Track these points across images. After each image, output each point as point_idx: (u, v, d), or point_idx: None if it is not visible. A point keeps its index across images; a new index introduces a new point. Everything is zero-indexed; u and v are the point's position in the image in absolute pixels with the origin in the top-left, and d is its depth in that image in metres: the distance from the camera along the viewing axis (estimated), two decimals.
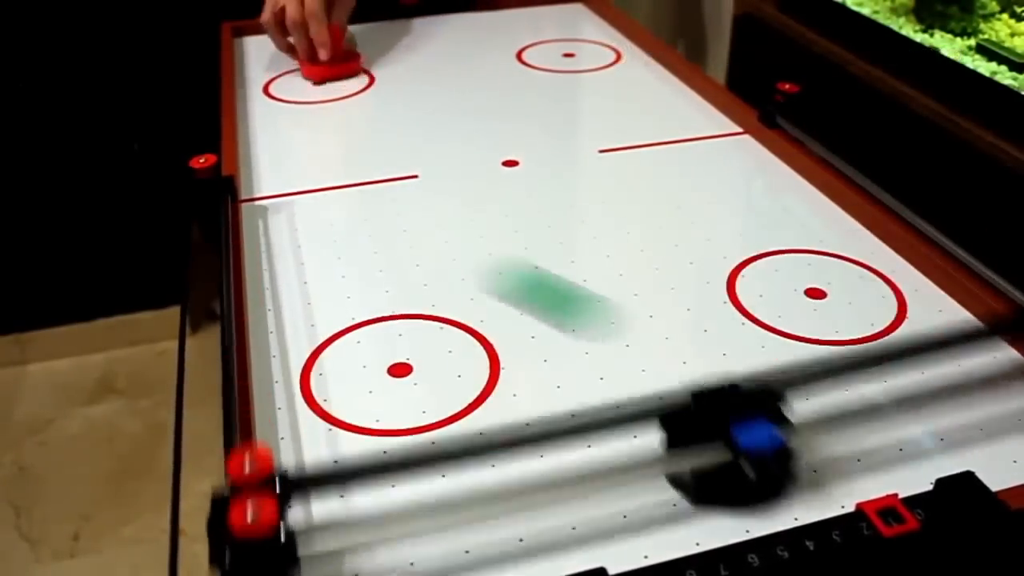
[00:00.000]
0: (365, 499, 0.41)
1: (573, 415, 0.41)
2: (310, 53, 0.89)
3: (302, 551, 0.37)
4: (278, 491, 0.36)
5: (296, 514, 0.41)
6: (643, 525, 0.41)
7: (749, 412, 0.40)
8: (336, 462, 0.45)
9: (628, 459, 0.40)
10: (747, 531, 0.40)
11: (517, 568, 0.39)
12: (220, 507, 0.36)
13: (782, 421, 0.40)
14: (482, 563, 0.40)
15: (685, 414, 0.41)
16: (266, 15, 0.90)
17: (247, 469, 0.37)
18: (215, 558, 0.35)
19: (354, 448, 0.46)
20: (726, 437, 0.39)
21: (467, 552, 0.40)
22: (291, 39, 0.90)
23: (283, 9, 0.88)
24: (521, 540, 0.41)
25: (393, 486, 0.43)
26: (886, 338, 0.54)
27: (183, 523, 0.43)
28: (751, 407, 0.40)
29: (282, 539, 0.36)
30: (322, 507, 0.42)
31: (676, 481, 0.42)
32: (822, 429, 0.43)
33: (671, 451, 0.41)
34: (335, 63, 0.90)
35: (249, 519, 0.35)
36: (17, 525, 1.36)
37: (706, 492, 0.42)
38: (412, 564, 0.40)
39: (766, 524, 0.40)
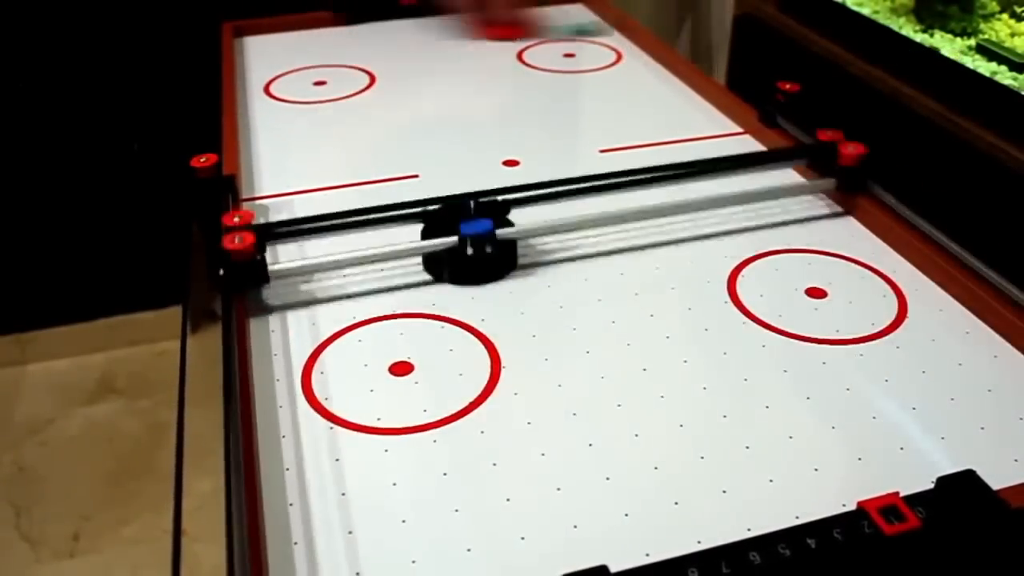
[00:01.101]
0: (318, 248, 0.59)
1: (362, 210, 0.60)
2: (492, 17, 1.00)
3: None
4: (256, 230, 0.57)
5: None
6: (644, 523, 0.41)
7: (478, 215, 0.59)
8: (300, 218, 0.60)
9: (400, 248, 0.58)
10: (748, 529, 0.41)
11: (518, 566, 0.39)
12: (219, 240, 0.55)
13: (504, 223, 0.60)
14: (483, 561, 0.40)
15: (436, 215, 0.60)
16: None
17: (236, 220, 0.57)
18: (212, 275, 0.55)
19: (355, 447, 0.46)
20: (458, 231, 0.58)
21: (468, 550, 0.40)
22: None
23: None
24: (522, 538, 0.41)
25: (394, 484, 0.43)
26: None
27: (184, 523, 0.43)
28: (482, 213, 0.60)
29: (258, 259, 0.56)
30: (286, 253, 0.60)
31: (427, 265, 0.60)
32: (536, 231, 0.61)
33: (425, 240, 0.60)
34: (513, 25, 1.01)
35: (236, 243, 0.55)
36: (17, 525, 1.36)
37: (440, 270, 0.59)
38: (413, 562, 0.40)
39: (768, 522, 0.41)
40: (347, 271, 0.60)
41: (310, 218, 0.60)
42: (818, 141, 0.68)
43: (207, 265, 0.57)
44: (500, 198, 0.61)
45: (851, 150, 0.65)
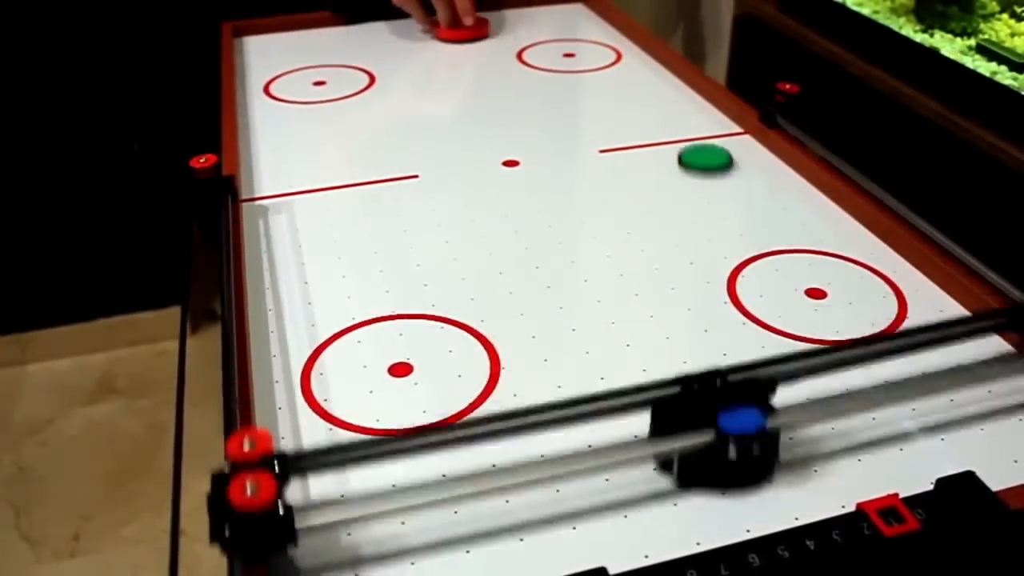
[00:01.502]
0: (361, 479, 0.42)
1: (568, 402, 0.42)
2: (453, 21, 1.00)
3: (299, 524, 0.38)
4: (276, 469, 0.38)
5: (293, 492, 0.41)
6: (643, 524, 0.41)
7: (735, 399, 0.42)
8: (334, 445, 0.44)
9: (619, 443, 0.42)
10: (747, 531, 0.40)
11: (518, 567, 0.39)
12: (220, 483, 0.37)
13: (767, 408, 0.42)
14: (482, 563, 0.40)
15: (674, 402, 0.43)
16: None
17: (246, 448, 0.38)
18: (215, 533, 0.36)
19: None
20: (712, 422, 0.41)
21: (467, 552, 0.40)
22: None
23: None
24: (521, 540, 0.41)
25: (394, 485, 0.43)
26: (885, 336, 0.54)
27: (183, 523, 0.43)
28: (737, 395, 0.42)
29: (280, 513, 0.37)
30: (319, 486, 0.43)
31: (664, 465, 0.44)
32: (808, 416, 0.45)
33: (659, 436, 0.43)
34: (471, 26, 1.01)
35: (248, 494, 0.36)
36: (17, 525, 1.36)
37: (690, 474, 0.43)
38: (412, 563, 0.40)
39: (767, 524, 0.41)
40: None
41: (359, 443, 0.41)
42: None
43: (210, 521, 0.37)
44: (763, 374, 0.44)
45: None
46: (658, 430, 0.43)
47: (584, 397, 0.42)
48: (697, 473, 0.43)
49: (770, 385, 0.43)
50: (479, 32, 1.02)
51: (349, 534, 0.41)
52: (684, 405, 0.42)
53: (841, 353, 0.46)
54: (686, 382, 0.42)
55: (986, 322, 0.51)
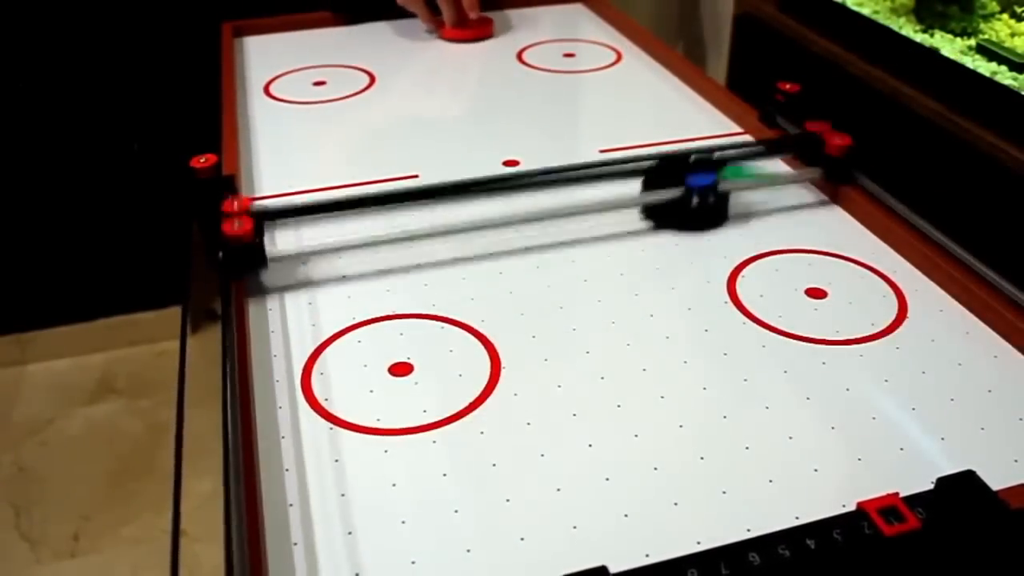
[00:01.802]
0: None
1: (566, 167, 0.64)
2: (458, 20, 1.00)
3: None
4: (255, 215, 0.58)
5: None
6: (644, 523, 0.41)
7: (698, 169, 0.63)
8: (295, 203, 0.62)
9: (616, 198, 0.64)
10: (748, 529, 0.40)
11: (518, 566, 0.39)
12: (218, 224, 0.57)
13: (719, 176, 0.64)
14: (483, 562, 0.40)
15: (656, 169, 0.64)
16: None
17: (235, 207, 0.58)
18: (211, 260, 0.56)
19: (355, 448, 0.46)
20: (682, 182, 0.63)
21: (468, 551, 0.40)
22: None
23: None
24: (522, 539, 0.41)
25: (394, 485, 0.43)
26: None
27: (184, 523, 0.43)
28: (699, 167, 0.63)
29: (255, 243, 0.57)
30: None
31: (647, 212, 0.65)
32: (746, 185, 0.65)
33: (645, 192, 0.65)
34: (475, 26, 1.01)
35: (235, 227, 0.56)
36: (17, 525, 1.36)
37: (665, 218, 0.64)
38: (413, 562, 0.40)
39: (767, 523, 0.41)
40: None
41: (310, 207, 0.61)
42: (805, 132, 0.70)
43: (206, 252, 0.59)
44: (716, 155, 0.65)
45: (838, 140, 0.67)
46: (644, 188, 0.64)
47: (581, 164, 0.65)
48: (670, 217, 0.64)
49: (722, 161, 0.65)
50: (484, 31, 1.02)
51: (304, 264, 0.61)
52: (663, 172, 0.64)
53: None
54: (665, 157, 0.65)
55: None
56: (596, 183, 0.65)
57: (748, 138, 0.78)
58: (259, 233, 0.58)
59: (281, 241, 0.63)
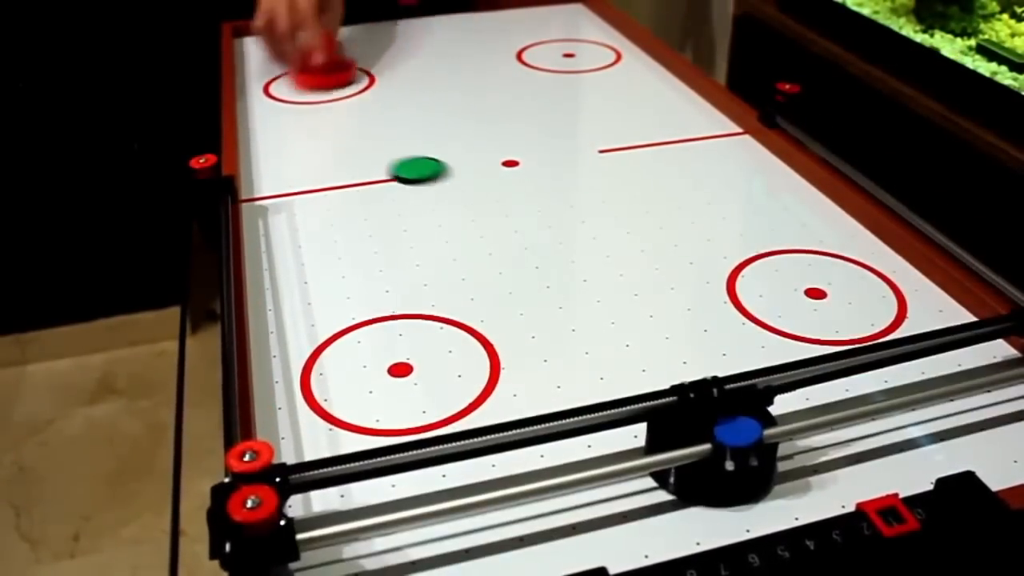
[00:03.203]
0: (363, 490, 0.43)
1: (564, 413, 0.43)
2: (301, 61, 0.88)
3: (300, 538, 0.38)
4: (276, 482, 0.38)
5: (294, 502, 0.42)
6: (643, 525, 0.41)
7: (732, 409, 0.42)
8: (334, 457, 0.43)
9: (617, 454, 0.44)
10: (747, 531, 0.40)
11: (517, 568, 0.39)
12: (220, 496, 0.37)
13: (766, 419, 0.42)
14: (482, 563, 0.40)
15: (670, 412, 0.43)
16: (258, 22, 0.87)
17: (247, 460, 0.38)
18: (215, 549, 0.36)
19: (354, 448, 0.46)
20: (709, 434, 0.41)
21: (467, 552, 0.40)
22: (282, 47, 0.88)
23: (274, 18, 0.86)
24: (522, 540, 0.41)
25: (394, 486, 0.43)
26: (884, 339, 0.54)
27: (183, 523, 0.43)
28: (735, 405, 0.42)
29: (281, 526, 0.37)
30: (321, 498, 0.43)
31: (659, 477, 0.43)
32: (808, 426, 0.44)
33: (655, 448, 0.43)
34: (328, 72, 0.88)
35: (248, 508, 0.36)
36: (17, 525, 1.36)
37: (688, 488, 0.43)
38: (413, 564, 0.40)
39: (767, 524, 0.40)
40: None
41: (360, 454, 0.41)
42: None
43: (210, 537, 0.37)
44: (760, 383, 0.43)
45: None
46: (655, 442, 0.43)
47: (580, 408, 0.43)
48: (694, 486, 0.42)
49: (767, 394, 0.43)
50: (338, 79, 0.89)
51: (349, 545, 0.40)
52: (680, 416, 0.42)
53: (842, 361, 0.46)
54: (682, 391, 0.42)
55: (991, 328, 0.50)
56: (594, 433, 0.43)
57: (752, 142, 0.78)
58: (284, 507, 0.38)
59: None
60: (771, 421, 0.42)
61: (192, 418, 0.52)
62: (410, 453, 0.40)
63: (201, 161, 0.67)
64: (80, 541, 1.33)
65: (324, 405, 0.49)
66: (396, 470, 0.40)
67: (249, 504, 0.36)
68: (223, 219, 0.62)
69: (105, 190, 1.57)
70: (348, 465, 0.40)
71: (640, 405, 0.42)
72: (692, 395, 0.42)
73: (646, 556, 0.39)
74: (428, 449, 0.40)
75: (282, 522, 0.37)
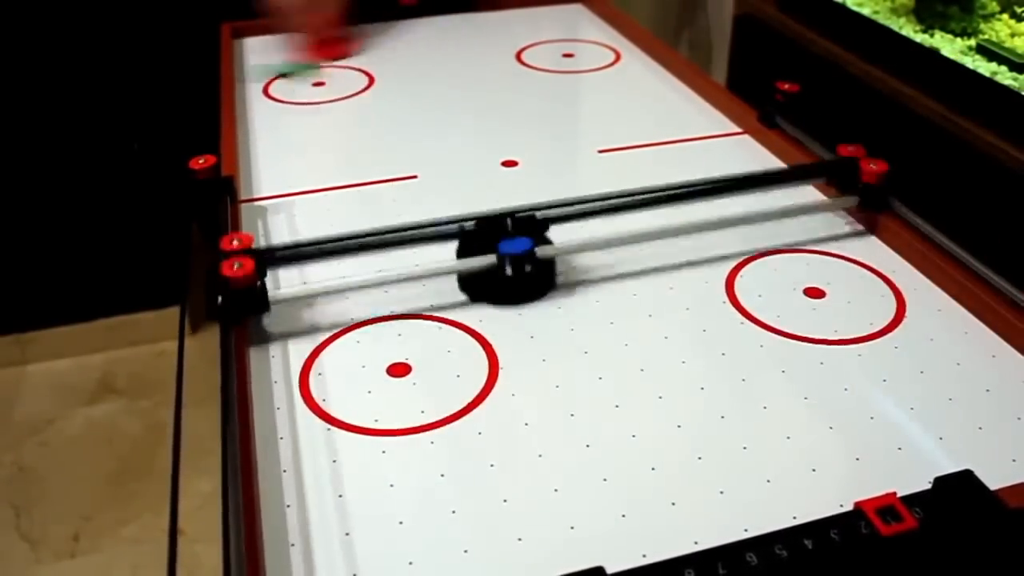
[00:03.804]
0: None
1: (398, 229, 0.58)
2: (316, 36, 0.95)
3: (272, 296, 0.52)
4: (255, 255, 0.53)
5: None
6: (641, 523, 0.41)
7: (516, 233, 0.56)
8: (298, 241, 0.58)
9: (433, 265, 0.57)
10: (745, 529, 0.40)
11: (516, 567, 0.39)
12: (216, 262, 0.52)
13: (541, 239, 0.58)
14: (480, 562, 0.40)
15: (472, 234, 0.57)
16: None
17: (234, 244, 0.54)
18: (211, 306, 0.51)
19: (352, 448, 0.46)
20: (496, 249, 0.55)
21: (465, 551, 0.40)
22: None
23: None
24: (520, 539, 0.41)
25: (392, 486, 0.43)
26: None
27: (182, 523, 0.43)
28: (519, 230, 0.57)
29: (257, 285, 0.53)
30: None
31: (461, 283, 0.58)
32: (576, 248, 0.59)
33: (460, 259, 0.58)
34: (334, 44, 0.96)
35: (235, 269, 0.52)
36: (17, 525, 1.36)
37: (479, 290, 0.57)
38: (411, 563, 0.40)
39: (764, 523, 0.41)
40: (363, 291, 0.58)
41: (316, 241, 0.57)
42: (839, 157, 0.65)
43: (204, 292, 0.53)
44: (539, 215, 0.59)
45: (873, 167, 0.62)
46: (461, 255, 0.58)
47: (410, 224, 0.58)
48: (485, 289, 0.57)
49: (545, 223, 0.58)
50: (337, 51, 0.97)
51: (309, 306, 0.57)
52: (480, 237, 0.57)
53: (617, 200, 0.61)
54: (481, 219, 0.58)
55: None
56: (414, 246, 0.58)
57: (752, 142, 0.78)
58: (261, 275, 0.54)
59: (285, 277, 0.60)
60: (546, 242, 0.58)
61: (192, 418, 0.53)
62: (356, 240, 0.57)
63: (201, 161, 0.67)
64: (80, 541, 1.33)
65: (323, 405, 0.49)
66: (349, 252, 0.57)
67: (236, 267, 0.52)
68: (223, 219, 0.62)
69: (105, 190, 1.57)
70: (310, 247, 0.57)
71: (452, 227, 0.58)
72: (488, 221, 0.57)
73: (644, 555, 0.39)
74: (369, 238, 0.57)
75: (258, 283, 0.53)
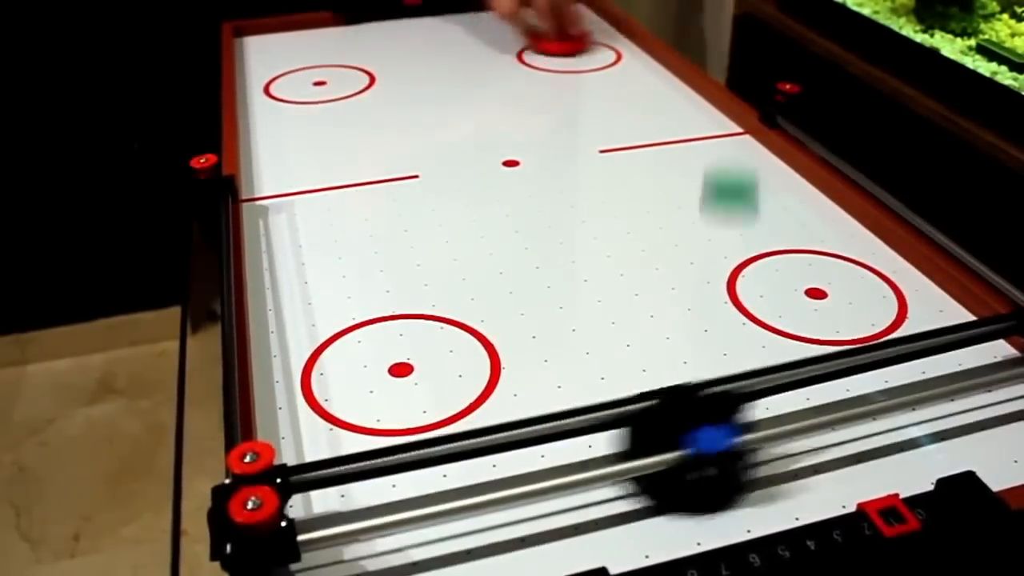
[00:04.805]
0: (363, 490, 0.43)
1: (557, 415, 0.43)
2: (560, 33, 0.97)
3: (301, 539, 0.38)
4: (277, 483, 0.38)
5: (295, 503, 0.42)
6: (644, 525, 0.41)
7: (706, 418, 0.41)
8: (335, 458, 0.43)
9: (595, 463, 0.43)
10: (748, 531, 0.40)
11: (518, 568, 0.39)
12: (220, 497, 0.37)
13: (738, 425, 0.41)
14: (483, 563, 0.40)
15: (646, 419, 0.42)
16: (506, 6, 0.95)
17: (247, 461, 0.38)
18: (216, 550, 0.36)
19: (356, 448, 0.46)
20: (680, 442, 0.40)
21: (468, 552, 0.40)
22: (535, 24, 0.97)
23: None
24: (523, 540, 0.41)
25: (394, 486, 0.43)
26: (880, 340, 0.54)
27: (184, 523, 0.43)
28: (709, 413, 0.41)
29: (282, 528, 0.37)
30: (321, 499, 0.43)
31: (636, 484, 0.43)
32: (787, 435, 0.44)
33: (630, 455, 0.42)
34: (576, 39, 0.98)
35: (249, 509, 0.36)
36: (17, 525, 1.36)
37: (658, 495, 0.42)
38: (415, 564, 0.40)
39: (767, 524, 0.40)
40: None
41: (361, 455, 0.41)
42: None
43: (211, 538, 0.37)
44: (732, 389, 0.43)
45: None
46: (632, 449, 0.42)
47: (571, 411, 0.42)
48: (665, 496, 0.42)
49: (740, 400, 0.42)
50: (581, 45, 0.99)
51: (350, 546, 0.40)
52: (655, 424, 0.41)
53: (841, 361, 0.46)
54: (653, 395, 0.42)
55: (991, 327, 0.50)
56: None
57: (752, 142, 0.78)
58: (283, 505, 0.37)
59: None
60: (745, 428, 0.41)
61: (192, 418, 0.53)
62: (411, 454, 0.40)
63: (201, 161, 0.67)
64: (80, 541, 1.33)
65: (324, 405, 0.49)
66: (397, 470, 0.40)
67: (250, 505, 0.36)
68: (223, 219, 0.62)
69: (105, 190, 1.57)
70: (349, 466, 0.40)
71: (621, 410, 0.42)
72: (666, 401, 0.41)
73: (647, 556, 0.39)
74: (428, 450, 0.40)
75: (283, 523, 0.37)
